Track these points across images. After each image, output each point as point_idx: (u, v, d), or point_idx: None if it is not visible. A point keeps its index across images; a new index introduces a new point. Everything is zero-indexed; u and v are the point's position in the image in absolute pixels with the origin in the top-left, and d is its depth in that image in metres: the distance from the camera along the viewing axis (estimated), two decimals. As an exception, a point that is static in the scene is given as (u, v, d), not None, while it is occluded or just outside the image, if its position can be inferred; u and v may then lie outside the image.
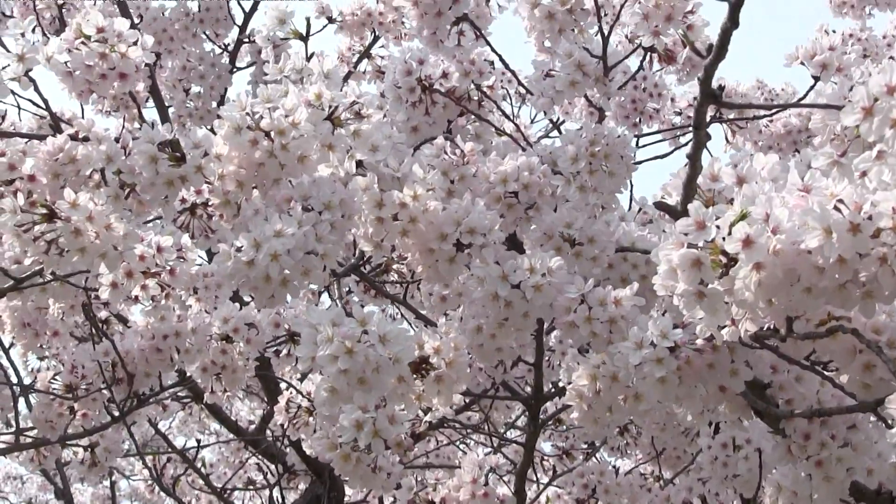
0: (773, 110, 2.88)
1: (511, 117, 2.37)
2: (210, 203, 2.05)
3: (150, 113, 3.71)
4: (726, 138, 3.08)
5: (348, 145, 1.82)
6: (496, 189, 1.97)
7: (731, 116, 2.82)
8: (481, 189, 1.97)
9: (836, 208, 1.23)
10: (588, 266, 1.98)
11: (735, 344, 1.64)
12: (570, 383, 1.88)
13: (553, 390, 2.98)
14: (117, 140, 1.86)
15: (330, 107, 1.80)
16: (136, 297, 2.32)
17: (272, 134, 1.75)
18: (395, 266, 2.90)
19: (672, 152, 3.06)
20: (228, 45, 3.77)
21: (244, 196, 1.85)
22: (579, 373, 1.86)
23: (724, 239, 1.30)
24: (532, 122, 3.55)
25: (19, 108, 2.10)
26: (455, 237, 1.84)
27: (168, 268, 2.27)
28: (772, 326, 1.51)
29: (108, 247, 1.85)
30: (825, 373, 1.63)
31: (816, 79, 2.04)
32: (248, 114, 1.76)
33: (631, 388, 1.78)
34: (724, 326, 1.48)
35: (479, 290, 1.80)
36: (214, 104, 3.61)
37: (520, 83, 2.49)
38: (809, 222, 1.23)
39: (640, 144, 2.85)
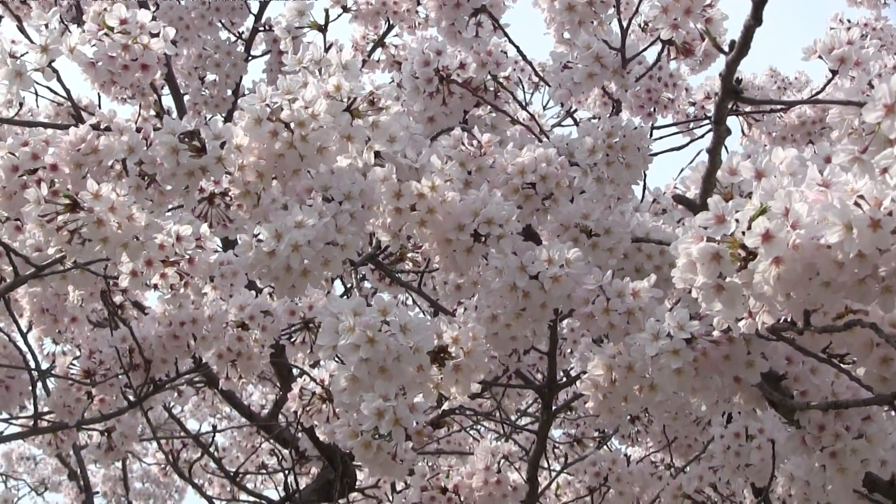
0: (793, 105, 2.87)
1: (526, 107, 2.37)
2: (229, 193, 2.06)
3: (166, 101, 3.74)
4: (742, 131, 3.08)
5: (367, 136, 1.83)
6: (514, 180, 1.97)
7: (748, 110, 2.82)
8: (498, 180, 1.97)
9: (856, 204, 1.22)
10: (604, 257, 1.99)
11: (751, 336, 1.64)
12: (585, 373, 1.88)
13: (565, 379, 3.00)
14: (138, 130, 1.87)
15: (349, 98, 1.81)
16: (155, 285, 2.34)
17: (292, 125, 1.76)
18: (409, 255, 2.91)
19: (687, 144, 3.07)
20: (243, 33, 3.78)
21: (264, 186, 1.86)
22: (595, 362, 1.86)
23: (743, 233, 1.30)
24: (544, 108, 3.55)
25: (37, 95, 2.11)
26: (472, 228, 1.85)
27: (187, 257, 2.29)
28: (789, 319, 1.51)
29: (130, 237, 1.87)
30: (842, 365, 1.64)
31: (834, 73, 2.03)
32: (268, 105, 1.77)
33: (646, 379, 1.78)
34: (741, 319, 1.48)
35: (497, 281, 1.81)
36: (229, 92, 3.62)
37: (536, 73, 2.49)
38: (830, 218, 1.23)
39: (654, 136, 2.86)
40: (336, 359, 3.24)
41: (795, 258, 1.25)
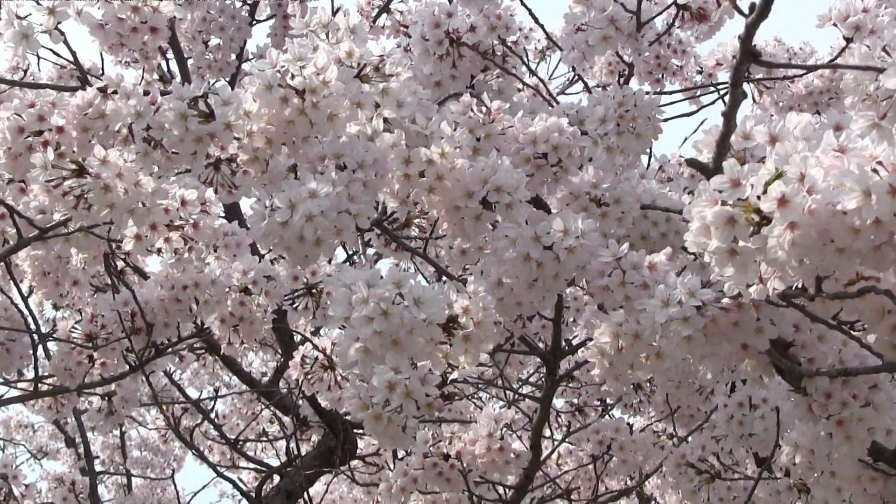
0: (812, 70, 2.87)
1: (535, 72, 2.37)
2: (236, 159, 2.07)
3: (170, 65, 3.72)
4: (753, 98, 3.09)
5: (376, 103, 1.83)
6: (525, 150, 1.96)
7: (759, 76, 2.83)
8: (508, 148, 1.97)
9: (874, 171, 1.23)
10: (613, 225, 2.00)
11: (761, 302, 1.65)
12: (590, 339, 1.90)
13: (567, 347, 3.01)
14: (146, 95, 1.87)
15: (359, 64, 1.81)
16: (159, 249, 2.34)
17: (303, 92, 1.76)
18: (415, 220, 2.91)
19: (696, 112, 3.08)
20: (249, -3, 3.76)
21: (273, 153, 1.86)
22: (601, 330, 1.88)
23: (758, 197, 1.31)
24: (550, 78, 3.54)
25: (39, 58, 2.11)
26: (481, 195, 1.85)
27: (192, 221, 2.29)
28: (800, 285, 1.52)
29: (137, 203, 1.89)
30: (852, 333, 1.65)
31: (849, 40, 2.03)
32: (278, 71, 1.77)
33: (653, 347, 1.80)
34: (752, 285, 1.49)
35: (510, 252, 1.81)
36: (233, 56, 3.60)
37: (548, 37, 2.49)
38: (847, 184, 1.24)
39: (661, 103, 2.86)
40: (339, 326, 3.25)
41: (811, 224, 1.26)
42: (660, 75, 2.73)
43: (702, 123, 4.14)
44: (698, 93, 3.02)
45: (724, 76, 3.04)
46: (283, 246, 1.72)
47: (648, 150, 2.60)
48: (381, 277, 1.64)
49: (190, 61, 3.57)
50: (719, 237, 1.36)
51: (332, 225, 1.70)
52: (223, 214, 2.43)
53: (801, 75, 2.96)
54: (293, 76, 1.77)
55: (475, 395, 4.29)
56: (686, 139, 4.65)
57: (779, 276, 1.44)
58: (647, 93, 2.10)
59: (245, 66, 3.67)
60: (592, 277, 1.81)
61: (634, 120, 2.09)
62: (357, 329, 1.60)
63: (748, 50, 1.77)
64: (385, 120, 1.89)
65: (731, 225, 1.35)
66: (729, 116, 1.83)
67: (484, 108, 2.00)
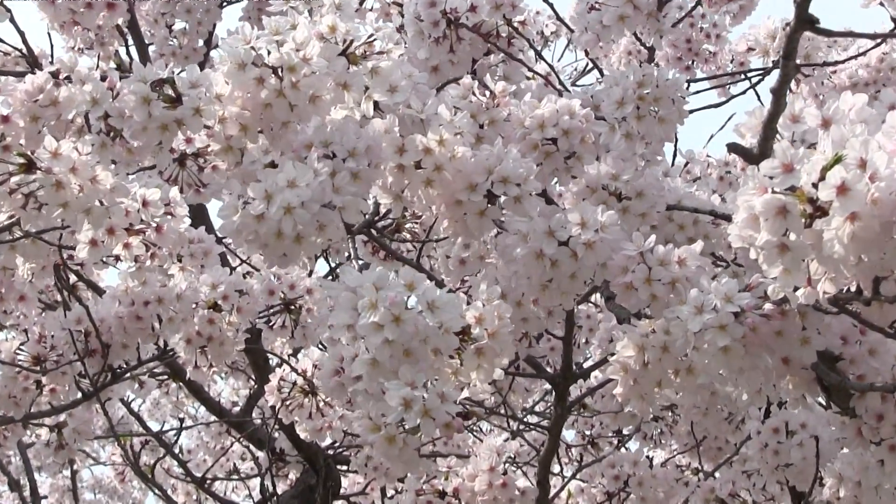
0: (880, 38, 2.84)
1: (544, 58, 2.35)
2: (204, 154, 2.04)
3: (129, 52, 3.69)
4: (789, 88, 3.07)
5: (365, 84, 1.81)
6: (532, 135, 1.95)
7: (798, 62, 2.81)
8: (514, 135, 1.96)
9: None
10: (635, 224, 1.99)
11: (807, 308, 1.64)
12: (612, 355, 1.87)
13: (578, 371, 2.99)
14: (103, 79, 1.86)
15: (344, 41, 1.79)
16: (117, 257, 2.31)
17: (281, 71, 1.74)
18: (407, 225, 2.89)
19: (725, 102, 3.07)
20: (218, -26, 3.75)
21: (248, 141, 1.84)
22: (624, 343, 1.85)
23: (814, 185, 1.29)
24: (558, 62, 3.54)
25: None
26: (486, 187, 1.84)
27: (154, 224, 2.26)
28: (853, 288, 1.50)
29: (94, 202, 1.86)
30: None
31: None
32: (253, 48, 1.75)
33: (684, 361, 1.77)
34: (798, 288, 1.47)
35: (520, 249, 1.80)
36: (201, 42, 3.59)
37: (557, 17, 2.47)
38: (917, 170, 1.21)
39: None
40: (320, 346, 3.23)
41: (873, 214, 1.24)
42: (690, 61, 2.71)
43: (729, 119, 4.15)
44: (728, 82, 3.01)
45: (756, 63, 3.02)
46: (258, 243, 1.70)
47: (673, 145, 2.59)
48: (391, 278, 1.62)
49: (151, 48, 3.57)
50: (769, 229, 1.34)
51: (314, 218, 1.67)
52: (189, 217, 2.39)
53: (837, 63, 2.94)
54: (269, 53, 1.75)
55: (475, 426, 4.27)
56: (713, 135, 4.67)
57: (831, 277, 1.42)
58: (669, 77, 2.08)
59: (214, 54, 3.65)
60: (614, 276, 1.80)
61: (657, 102, 2.07)
62: (365, 338, 1.58)
63: (804, 16, 1.75)
64: (376, 105, 1.86)
65: (784, 216, 1.33)
66: (779, 93, 1.81)
67: (487, 92, 1.99)
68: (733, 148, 1.93)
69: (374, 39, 1.82)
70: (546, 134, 1.95)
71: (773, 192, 1.34)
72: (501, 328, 1.73)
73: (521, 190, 1.83)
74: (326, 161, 1.73)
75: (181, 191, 2.18)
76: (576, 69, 5.16)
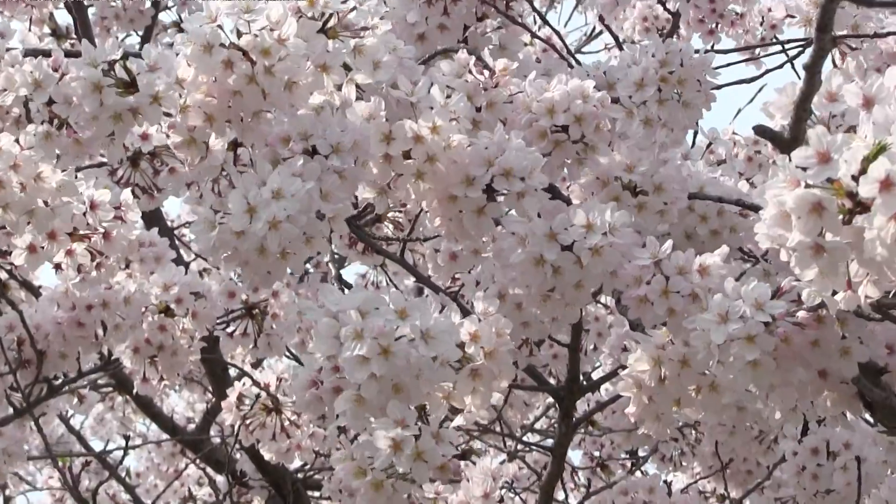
0: None
1: (547, 21, 2.38)
2: (158, 151, 2.08)
3: (62, 16, 3.72)
4: (833, 62, 3.06)
5: (347, 65, 1.84)
6: (540, 122, 1.95)
7: (843, 32, 2.79)
8: (517, 120, 1.96)
9: None
10: (653, 221, 1.99)
11: (847, 315, 1.64)
12: (624, 368, 1.89)
13: (585, 383, 3.02)
14: (44, 55, 1.89)
15: (323, 14, 1.81)
16: (58, 264, 2.33)
17: (253, 54, 1.76)
18: (390, 214, 2.92)
19: (759, 76, 3.06)
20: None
21: (214, 133, 1.87)
22: (638, 354, 1.85)
23: (854, 178, 1.28)
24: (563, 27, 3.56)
25: None
26: (485, 181, 1.84)
27: (102, 230, 2.26)
28: (900, 292, 1.51)
29: (38, 202, 1.89)
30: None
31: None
32: (220, 27, 1.77)
33: (706, 376, 1.79)
34: (837, 292, 1.45)
35: (518, 253, 1.79)
36: (148, 3, 3.59)
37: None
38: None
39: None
40: (287, 356, 3.25)
41: (921, 212, 1.23)
42: (714, 24, 2.73)
43: (760, 90, 4.15)
44: (759, 51, 3.01)
45: (794, 33, 3.02)
46: (238, 260, 1.73)
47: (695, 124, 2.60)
48: (378, 304, 1.64)
49: (91, 10, 3.57)
50: (802, 229, 1.33)
51: (303, 232, 1.70)
52: (140, 222, 2.41)
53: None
54: (239, 33, 1.77)
55: (466, 445, 4.29)
56: (740, 110, 4.61)
57: (874, 280, 1.39)
58: (697, 51, 2.10)
59: (163, 17, 3.68)
60: (626, 286, 1.80)
61: (681, 84, 2.08)
62: (348, 373, 1.60)
63: (842, -18, 1.75)
64: (358, 87, 1.90)
65: (818, 213, 1.32)
66: (812, 70, 1.80)
67: (486, 69, 2.00)
68: (761, 131, 1.94)
69: (355, 7, 1.84)
70: (556, 121, 1.95)
71: (807, 185, 1.32)
72: (500, 347, 1.75)
73: (526, 185, 1.83)
74: (311, 161, 1.75)
75: (134, 194, 2.22)
76: (584, 34, 5.18)
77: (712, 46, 2.87)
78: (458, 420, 1.82)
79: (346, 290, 2.84)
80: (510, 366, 1.78)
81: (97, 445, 5.58)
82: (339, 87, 1.87)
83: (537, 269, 1.81)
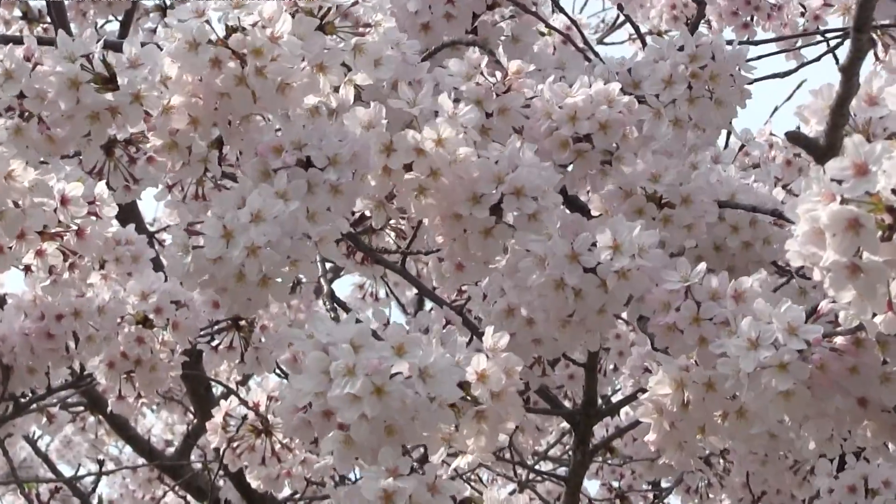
0: None
1: (563, 9, 2.40)
2: (135, 139, 2.10)
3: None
4: (876, 55, 3.04)
5: (345, 63, 1.85)
6: (561, 130, 1.95)
7: (886, 22, 2.79)
8: (537, 128, 1.96)
9: None
10: (680, 236, 2.00)
11: (888, 338, 1.64)
12: (644, 391, 1.91)
13: (604, 405, 3.04)
14: (16, 42, 1.91)
15: (320, 7, 1.83)
16: (27, 266, 2.34)
17: (244, 52, 1.78)
18: (391, 222, 2.91)
19: (796, 70, 3.07)
20: None
21: (199, 137, 1.90)
22: (659, 377, 1.87)
23: (893, 192, 1.29)
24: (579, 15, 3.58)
25: None
26: (493, 199, 1.85)
27: (75, 228, 2.21)
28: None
29: (8, 203, 1.90)
30: None
31: None
32: (207, 22, 1.79)
33: (734, 401, 1.80)
34: (877, 314, 1.45)
35: (536, 276, 1.81)
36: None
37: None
38: None
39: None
40: (277, 373, 3.27)
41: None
42: (749, 17, 2.73)
43: (800, 86, 4.16)
44: (798, 43, 3.01)
45: (835, 22, 3.01)
46: (214, 286, 1.75)
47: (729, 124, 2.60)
48: (373, 334, 1.64)
49: (67, -6, 3.60)
50: (838, 247, 1.34)
51: (285, 257, 1.72)
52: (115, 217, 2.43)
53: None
54: (229, 30, 1.78)
55: (474, 474, 4.30)
56: (777, 108, 4.58)
57: None
58: (730, 42, 2.10)
59: (144, 0, 3.70)
60: (652, 312, 1.81)
61: (714, 80, 2.08)
62: (339, 413, 1.60)
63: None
64: (356, 87, 1.91)
65: (855, 230, 1.32)
66: (850, 72, 1.78)
67: (497, 69, 2.00)
68: (794, 137, 1.94)
69: (357, 1, 1.85)
70: (579, 129, 1.96)
71: (843, 200, 1.33)
72: (509, 387, 1.74)
73: (539, 205, 1.84)
74: (299, 175, 1.76)
75: (109, 186, 2.19)
76: (603, 21, 5.19)
77: (749, 38, 2.88)
78: (460, 461, 1.82)
79: (339, 308, 2.87)
80: (519, 407, 1.78)
81: (65, 470, 5.61)
82: (335, 89, 1.88)
83: (557, 294, 1.82)
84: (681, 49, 2.13)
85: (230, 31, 1.79)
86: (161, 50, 1.85)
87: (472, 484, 4.26)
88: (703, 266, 1.80)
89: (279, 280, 1.76)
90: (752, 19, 2.81)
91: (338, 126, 1.84)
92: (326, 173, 1.78)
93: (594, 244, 1.81)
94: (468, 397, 1.72)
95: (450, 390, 1.64)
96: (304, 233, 1.75)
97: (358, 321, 1.65)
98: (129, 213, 3.62)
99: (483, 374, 1.73)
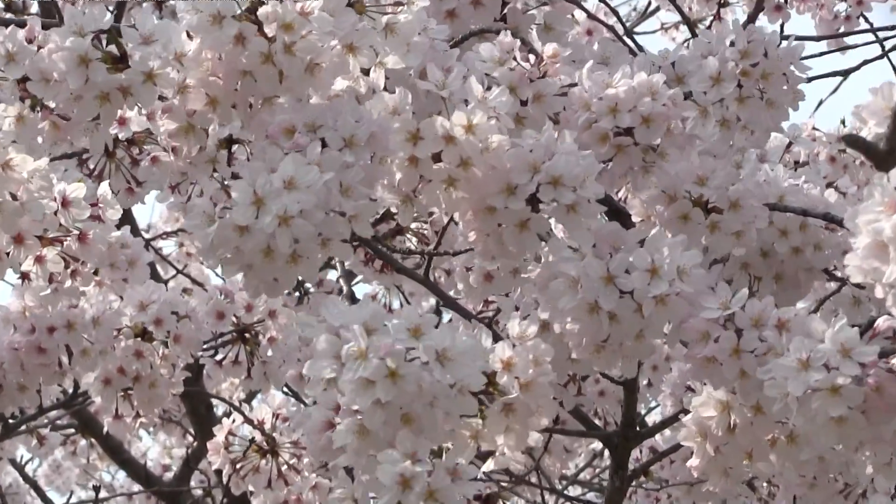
0: None
1: None
2: (137, 139, 2.12)
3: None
4: None
5: (375, 46, 1.84)
6: (601, 123, 1.93)
7: None
8: (574, 119, 1.95)
9: None
10: (726, 244, 1.99)
11: None
12: (686, 412, 1.92)
13: (640, 428, 3.04)
14: (20, 26, 1.91)
15: None
16: (24, 274, 2.33)
17: (271, 28, 1.77)
18: (413, 225, 2.94)
19: (855, 69, 3.05)
20: None
21: (218, 120, 1.90)
22: (703, 398, 1.88)
23: None
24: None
25: None
26: (529, 190, 1.83)
27: (76, 232, 2.27)
28: None
29: (5, 195, 1.92)
30: None
31: None
32: None
33: (784, 425, 1.80)
34: None
35: (568, 298, 1.81)
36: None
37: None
38: None
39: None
40: (285, 390, 3.26)
41: None
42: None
43: (845, 78, 4.17)
44: (846, 45, 3.00)
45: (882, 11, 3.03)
46: (240, 263, 1.73)
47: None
48: (387, 319, 1.64)
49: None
50: None
51: (318, 232, 1.70)
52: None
53: None
54: (254, 4, 1.77)
55: (499, 498, 4.28)
56: (822, 102, 4.58)
57: None
58: (787, 37, 2.10)
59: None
60: (691, 340, 1.80)
61: (765, 78, 2.08)
62: (350, 399, 1.61)
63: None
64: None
65: None
66: None
67: (531, 54, 1.99)
68: (852, 141, 1.93)
69: None
70: (619, 122, 1.94)
71: None
72: (539, 377, 1.75)
73: (578, 196, 1.81)
74: (327, 152, 1.74)
75: (111, 188, 2.23)
76: (634, 10, 5.20)
77: (782, 26, 2.87)
78: (489, 464, 1.83)
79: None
80: (550, 400, 1.79)
81: (54, 497, 5.57)
82: (364, 72, 1.88)
83: (591, 318, 1.81)
84: (731, 44, 2.11)
85: (255, 4, 1.79)
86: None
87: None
88: (745, 292, 1.78)
89: (310, 259, 1.76)
90: (785, 2, 2.80)
91: (353, 105, 1.82)
92: (343, 155, 1.76)
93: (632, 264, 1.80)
94: (493, 390, 1.73)
95: (471, 375, 1.64)
96: (336, 209, 1.74)
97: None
98: (122, 218, 3.63)
99: (509, 361, 1.74)
